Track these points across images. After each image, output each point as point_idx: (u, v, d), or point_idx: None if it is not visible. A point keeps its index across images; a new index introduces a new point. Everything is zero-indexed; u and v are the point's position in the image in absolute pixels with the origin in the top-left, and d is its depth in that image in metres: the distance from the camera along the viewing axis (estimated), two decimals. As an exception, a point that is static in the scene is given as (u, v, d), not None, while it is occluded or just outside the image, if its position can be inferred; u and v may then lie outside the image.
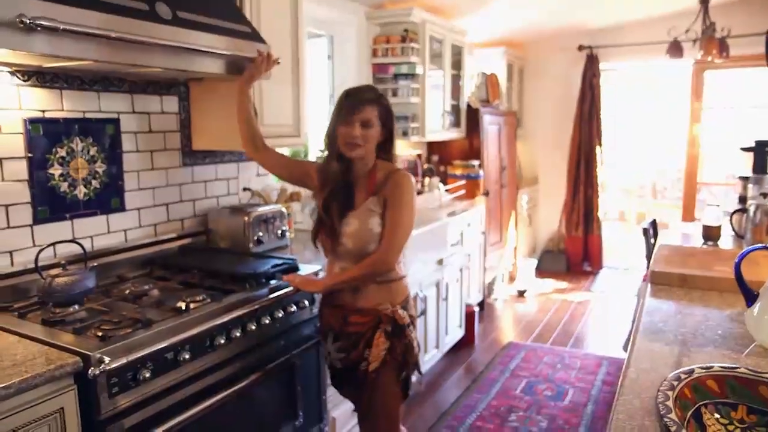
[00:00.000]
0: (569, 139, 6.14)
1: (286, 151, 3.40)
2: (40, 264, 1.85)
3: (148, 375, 1.59)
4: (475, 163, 4.74)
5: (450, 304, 3.82)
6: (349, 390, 2.12)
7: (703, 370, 1.32)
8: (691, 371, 1.32)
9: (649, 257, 3.50)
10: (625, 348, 2.84)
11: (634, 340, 1.57)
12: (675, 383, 1.28)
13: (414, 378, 2.05)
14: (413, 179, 2.00)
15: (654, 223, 3.59)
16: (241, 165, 2.94)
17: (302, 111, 2.76)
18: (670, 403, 1.18)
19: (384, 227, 1.93)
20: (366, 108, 1.90)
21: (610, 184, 6.26)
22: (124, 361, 1.50)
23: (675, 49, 4.33)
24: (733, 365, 1.32)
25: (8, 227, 1.93)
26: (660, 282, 2.05)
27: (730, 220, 2.76)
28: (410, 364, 1.99)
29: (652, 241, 3.52)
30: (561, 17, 5.29)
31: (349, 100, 1.92)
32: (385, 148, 2.01)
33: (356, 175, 2.00)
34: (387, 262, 1.93)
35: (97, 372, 1.44)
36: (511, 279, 5.80)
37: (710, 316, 1.71)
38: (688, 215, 5.79)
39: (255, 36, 2.18)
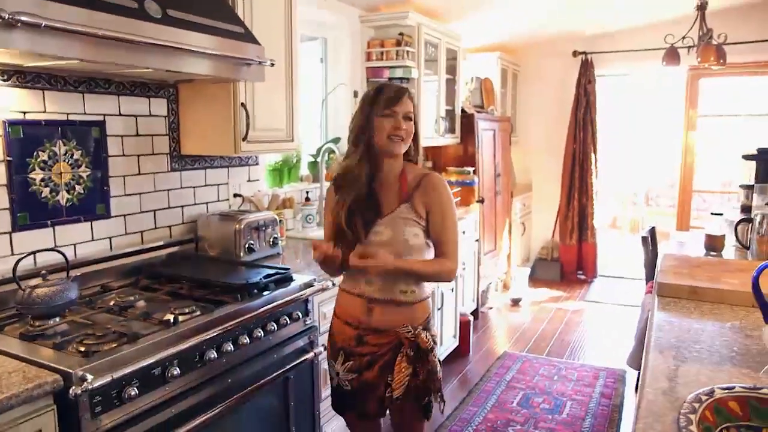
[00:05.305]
0: (563, 146, 6.08)
1: (278, 157, 3.32)
2: (18, 273, 1.74)
3: (134, 393, 1.50)
4: (470, 169, 4.67)
5: (445, 313, 3.74)
6: (358, 413, 1.96)
7: (724, 391, 1.25)
8: (712, 392, 1.25)
9: (648, 266, 3.44)
10: (629, 363, 2.76)
11: (647, 358, 1.50)
12: (696, 405, 1.20)
13: (437, 405, 1.90)
14: None
15: (653, 231, 3.53)
16: (232, 170, 2.85)
17: (295, 115, 2.68)
18: (693, 428, 1.11)
19: (440, 237, 1.84)
20: (407, 100, 1.82)
21: (602, 191, 6.19)
22: (108, 378, 1.41)
23: (672, 56, 4.29)
24: (756, 385, 1.25)
25: (-14, 234, 1.83)
26: (668, 294, 1.99)
27: (735, 230, 2.68)
28: (433, 390, 1.86)
29: (651, 249, 3.46)
30: (556, 23, 5.25)
31: (387, 92, 1.81)
32: (413, 146, 1.89)
33: (382, 178, 1.86)
34: (454, 273, 1.88)
35: (79, 391, 1.35)
36: (505, 287, 5.73)
37: (724, 332, 1.64)
38: (683, 224, 5.75)
39: (249, 37, 2.09)
